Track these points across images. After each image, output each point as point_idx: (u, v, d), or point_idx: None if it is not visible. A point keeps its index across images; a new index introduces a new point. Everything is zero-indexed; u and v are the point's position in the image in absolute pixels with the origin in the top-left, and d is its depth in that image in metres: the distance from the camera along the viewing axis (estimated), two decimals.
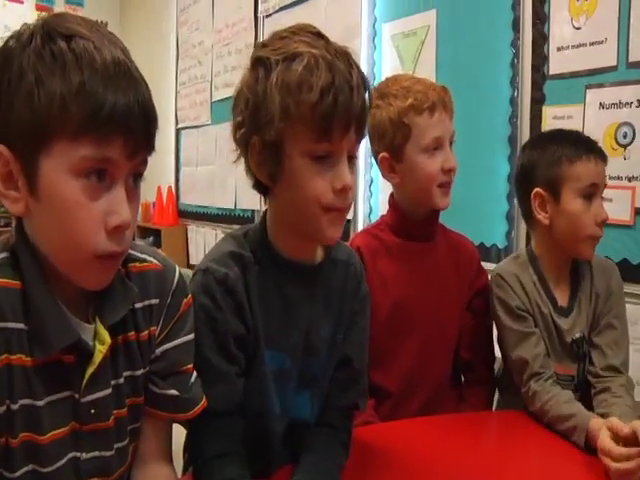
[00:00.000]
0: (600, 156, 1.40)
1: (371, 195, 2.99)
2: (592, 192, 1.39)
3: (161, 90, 5.26)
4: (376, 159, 1.54)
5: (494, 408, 1.63)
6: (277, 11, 3.78)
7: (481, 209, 2.46)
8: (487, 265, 2.35)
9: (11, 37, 0.82)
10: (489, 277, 1.57)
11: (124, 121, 0.79)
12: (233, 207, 4.19)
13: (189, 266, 4.84)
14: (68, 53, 0.78)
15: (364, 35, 3.06)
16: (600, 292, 1.45)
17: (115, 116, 0.78)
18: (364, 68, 3.03)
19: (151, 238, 4.87)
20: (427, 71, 2.66)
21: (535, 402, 1.34)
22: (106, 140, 0.79)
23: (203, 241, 4.63)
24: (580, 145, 1.41)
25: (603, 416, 1.25)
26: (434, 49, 2.66)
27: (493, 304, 1.49)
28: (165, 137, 4.98)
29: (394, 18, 2.90)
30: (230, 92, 4.01)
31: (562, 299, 1.46)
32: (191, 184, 4.88)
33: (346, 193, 1.01)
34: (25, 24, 0.82)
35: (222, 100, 4.38)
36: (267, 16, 3.90)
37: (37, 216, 0.82)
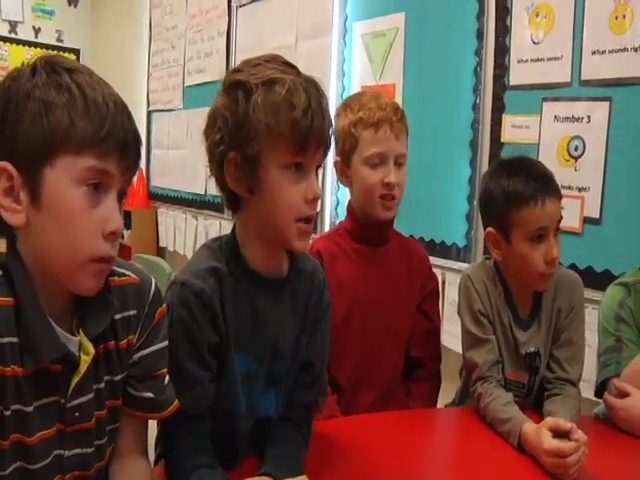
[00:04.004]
0: (550, 195, 1.40)
1: (338, 188, 3.09)
2: (541, 234, 1.41)
3: (133, 70, 5.24)
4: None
5: (457, 401, 1.73)
6: (251, 2, 3.80)
7: (443, 209, 2.55)
8: (446, 262, 2.48)
9: (10, 75, 0.92)
10: (458, 278, 1.64)
11: (121, 140, 0.91)
12: (203, 193, 4.22)
13: (158, 249, 4.87)
14: (72, 84, 0.90)
15: (335, 32, 3.11)
16: (562, 307, 1.51)
17: (114, 134, 0.90)
18: (334, 65, 3.12)
19: None
20: (395, 72, 2.74)
21: (479, 403, 1.44)
22: (106, 154, 0.90)
23: (173, 224, 4.65)
24: (530, 183, 1.41)
25: (550, 413, 1.37)
26: (402, 51, 2.72)
27: (459, 302, 1.56)
28: (136, 118, 4.94)
29: (364, 18, 2.95)
30: (203, 78, 4.04)
31: (523, 312, 1.53)
32: (162, 167, 4.89)
33: (316, 202, 1.14)
34: (22, 62, 0.93)
35: (195, 86, 4.40)
36: (241, 6, 3.92)
37: (37, 227, 0.90)
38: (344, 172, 1.64)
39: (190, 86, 4.49)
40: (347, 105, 1.64)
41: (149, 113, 5.09)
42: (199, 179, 4.19)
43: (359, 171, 1.59)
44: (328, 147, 1.16)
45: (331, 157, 1.57)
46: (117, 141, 0.90)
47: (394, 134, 1.57)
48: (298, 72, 1.13)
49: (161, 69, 4.92)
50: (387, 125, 1.56)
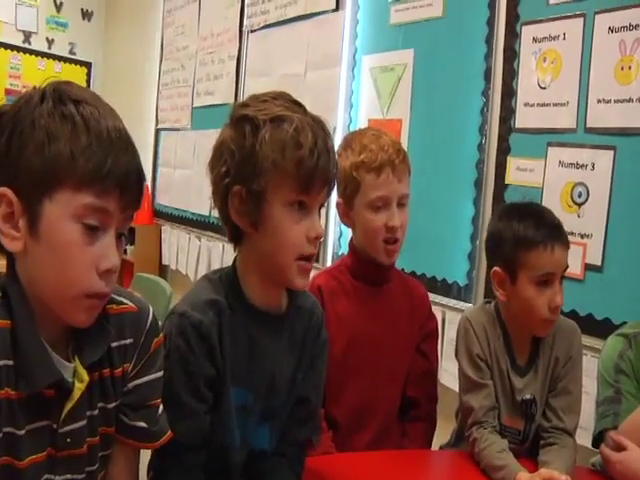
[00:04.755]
0: (560, 242, 1.43)
1: None
2: (547, 279, 1.43)
3: (143, 87, 5.29)
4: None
5: (453, 442, 1.71)
6: (262, 28, 3.83)
7: (445, 247, 2.54)
8: (446, 300, 2.47)
9: (22, 97, 0.92)
10: (457, 319, 1.65)
11: (122, 178, 0.90)
12: (207, 214, 4.23)
13: (161, 266, 4.87)
14: (77, 116, 0.89)
15: (344, 64, 3.12)
16: (560, 356, 1.51)
17: (115, 173, 0.89)
18: (342, 96, 3.13)
19: None
20: (402, 108, 2.75)
21: (474, 448, 1.44)
22: (105, 192, 0.89)
23: (176, 243, 4.65)
24: (541, 230, 1.43)
25: (545, 463, 1.37)
26: (410, 87, 2.73)
27: (457, 345, 1.56)
28: (145, 135, 5.01)
29: (374, 52, 2.96)
30: (212, 100, 4.04)
31: (521, 358, 1.53)
32: (167, 185, 4.90)
33: (318, 241, 1.14)
34: (34, 87, 0.93)
35: (203, 107, 4.43)
36: (252, 31, 3.95)
37: (34, 255, 0.90)
38: (346, 214, 1.64)
39: (198, 107, 4.51)
40: (348, 145, 1.62)
41: (157, 131, 5.11)
42: (204, 200, 4.19)
43: (362, 214, 1.59)
44: (332, 187, 1.17)
45: (334, 195, 1.58)
46: (118, 180, 0.90)
47: (396, 177, 1.56)
48: (305, 111, 1.15)
49: (171, 88, 4.95)
50: (389, 169, 1.55)
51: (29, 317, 0.92)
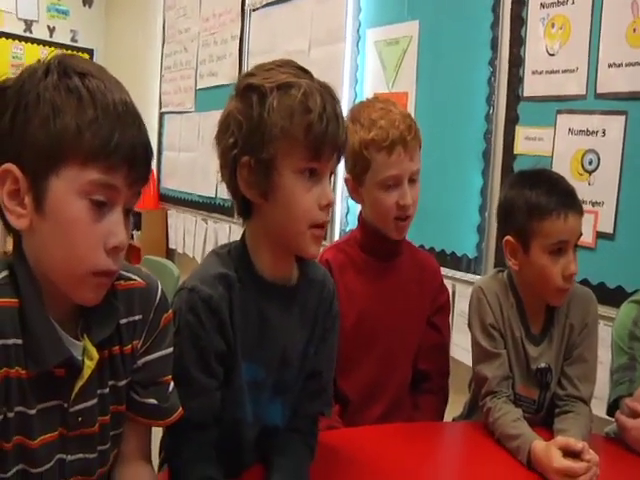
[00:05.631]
0: (573, 210, 1.40)
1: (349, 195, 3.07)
2: (561, 248, 1.40)
3: (146, 72, 5.26)
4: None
5: (465, 414, 1.70)
6: (264, 6, 3.80)
7: (454, 220, 2.53)
8: (456, 273, 2.46)
9: (25, 71, 0.90)
10: (468, 291, 1.62)
11: (129, 153, 0.88)
12: (214, 196, 4.22)
13: (168, 250, 4.87)
14: (82, 89, 0.87)
15: (348, 39, 3.10)
16: (575, 324, 1.49)
17: (122, 148, 0.87)
18: (347, 71, 3.11)
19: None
20: (408, 81, 2.73)
21: (488, 418, 1.42)
22: (112, 168, 0.87)
23: (183, 226, 4.65)
24: (554, 197, 1.40)
25: (561, 431, 1.36)
26: (415, 60, 2.70)
27: (469, 315, 1.54)
28: (148, 119, 4.98)
29: (378, 25, 2.93)
30: (215, 81, 4.03)
31: (536, 327, 1.51)
32: (173, 169, 4.89)
33: (329, 208, 1.12)
34: (39, 60, 0.91)
35: (207, 89, 4.41)
36: (254, 10, 3.92)
37: (40, 233, 0.89)
38: (356, 190, 1.60)
39: (202, 89, 4.50)
40: (355, 119, 1.55)
41: (161, 115, 5.10)
42: (210, 182, 4.18)
43: (372, 193, 1.55)
44: (342, 153, 1.14)
45: (342, 169, 1.56)
46: (125, 155, 0.87)
47: (408, 155, 1.51)
48: (312, 77, 1.12)
49: (173, 71, 4.94)
50: (401, 147, 1.49)
51: (37, 295, 0.91)
